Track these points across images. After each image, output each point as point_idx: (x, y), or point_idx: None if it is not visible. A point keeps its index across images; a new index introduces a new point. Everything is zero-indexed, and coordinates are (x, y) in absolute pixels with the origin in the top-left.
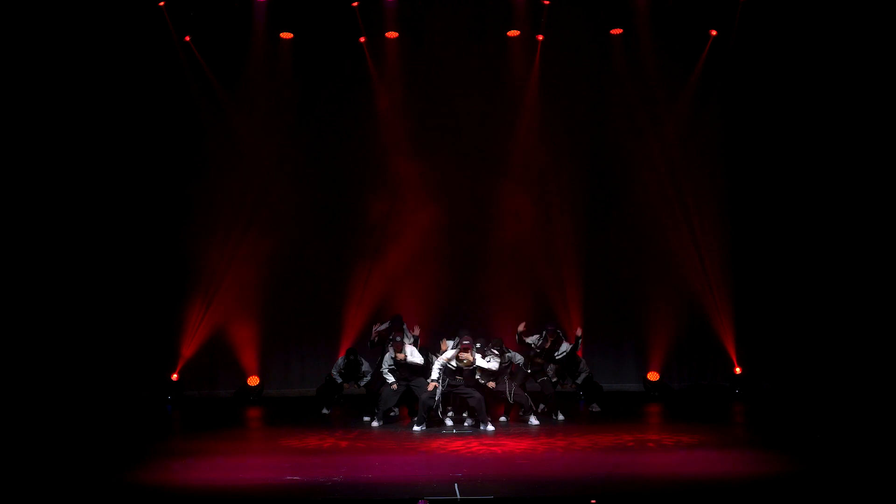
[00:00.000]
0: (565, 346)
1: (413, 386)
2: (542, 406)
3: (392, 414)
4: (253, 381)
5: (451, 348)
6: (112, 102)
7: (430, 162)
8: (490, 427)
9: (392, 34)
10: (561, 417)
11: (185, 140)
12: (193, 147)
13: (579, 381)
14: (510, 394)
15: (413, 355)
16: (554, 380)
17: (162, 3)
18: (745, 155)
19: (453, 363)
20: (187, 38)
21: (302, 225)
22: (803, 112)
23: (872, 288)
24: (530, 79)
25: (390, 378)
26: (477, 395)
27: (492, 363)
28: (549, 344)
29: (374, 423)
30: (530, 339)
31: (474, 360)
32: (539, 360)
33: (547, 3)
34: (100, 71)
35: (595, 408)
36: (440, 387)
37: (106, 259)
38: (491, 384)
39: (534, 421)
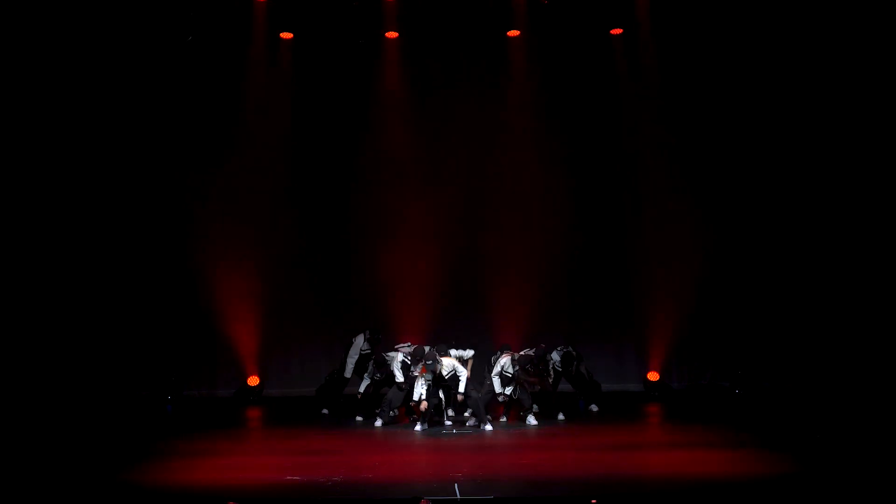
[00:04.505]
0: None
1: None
2: (535, 407)
3: (392, 413)
4: (253, 380)
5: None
6: (112, 103)
7: (430, 162)
8: (488, 427)
9: (392, 34)
10: (561, 417)
11: (185, 140)
12: (193, 147)
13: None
14: (514, 391)
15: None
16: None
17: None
18: (746, 155)
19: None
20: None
21: (302, 224)
22: (803, 112)
23: (872, 287)
24: (530, 79)
25: (399, 377)
26: (474, 394)
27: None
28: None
29: (377, 423)
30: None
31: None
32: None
33: (546, 2)
34: (99, 71)
35: (594, 408)
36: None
37: (106, 259)
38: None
39: (532, 421)
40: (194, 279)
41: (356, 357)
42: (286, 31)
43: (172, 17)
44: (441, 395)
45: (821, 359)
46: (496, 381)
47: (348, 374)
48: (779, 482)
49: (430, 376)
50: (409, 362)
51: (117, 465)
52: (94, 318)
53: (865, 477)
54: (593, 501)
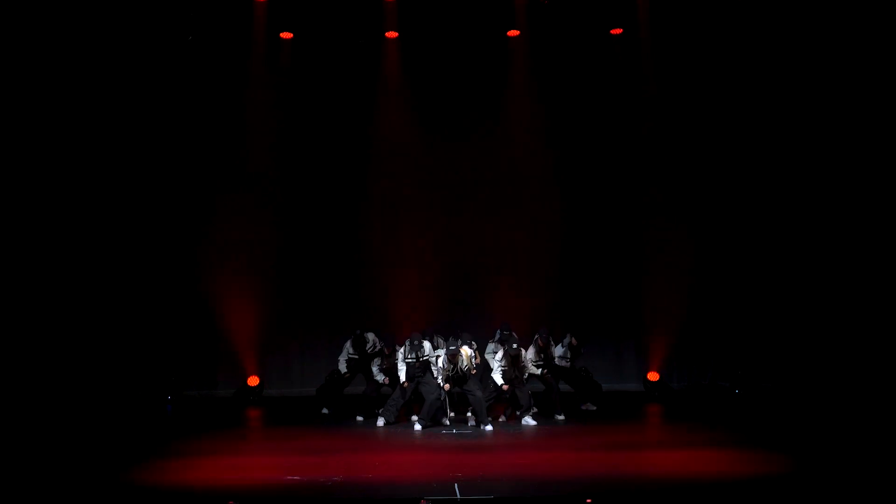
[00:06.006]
0: (559, 350)
1: (422, 383)
2: (535, 408)
3: (396, 413)
4: (253, 380)
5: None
6: (112, 102)
7: (430, 161)
8: (489, 427)
9: (392, 34)
10: (561, 417)
11: (184, 139)
12: (193, 146)
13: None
14: (523, 394)
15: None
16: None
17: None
18: (745, 155)
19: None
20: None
21: (303, 224)
22: (802, 112)
23: (871, 287)
24: (529, 78)
25: (403, 376)
26: (478, 393)
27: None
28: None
29: (380, 423)
30: (529, 357)
31: (463, 363)
32: (546, 374)
33: (547, 2)
34: (99, 70)
35: (590, 406)
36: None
37: (107, 259)
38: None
39: (531, 421)
40: (194, 279)
41: (345, 358)
42: (286, 31)
43: (173, 17)
44: (442, 394)
45: (821, 359)
46: (497, 375)
47: (343, 369)
48: (777, 482)
49: (450, 366)
50: (412, 361)
51: (118, 465)
52: (94, 318)
53: (865, 477)
54: (588, 501)
